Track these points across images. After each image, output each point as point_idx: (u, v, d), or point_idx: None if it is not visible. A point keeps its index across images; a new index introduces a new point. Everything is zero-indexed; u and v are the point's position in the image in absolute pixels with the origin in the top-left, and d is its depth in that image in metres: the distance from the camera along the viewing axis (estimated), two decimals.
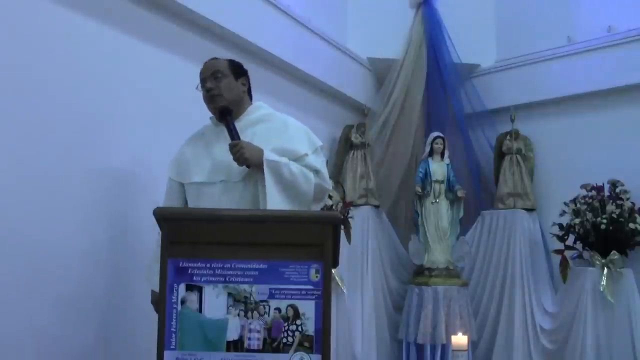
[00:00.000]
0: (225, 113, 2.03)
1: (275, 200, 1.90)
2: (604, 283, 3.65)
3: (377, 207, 4.26)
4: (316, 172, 2.04)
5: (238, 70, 2.14)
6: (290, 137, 2.07)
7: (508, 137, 4.45)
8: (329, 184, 2.14)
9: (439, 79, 4.57)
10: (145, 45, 2.71)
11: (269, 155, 1.94)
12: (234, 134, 1.98)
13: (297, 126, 2.14)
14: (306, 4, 3.87)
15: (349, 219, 3.90)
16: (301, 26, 3.75)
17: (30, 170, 2.15)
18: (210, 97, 2.06)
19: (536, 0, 4.65)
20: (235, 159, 1.94)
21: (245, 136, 2.00)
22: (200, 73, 2.12)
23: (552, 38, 4.41)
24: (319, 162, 2.08)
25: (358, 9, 4.55)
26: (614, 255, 3.69)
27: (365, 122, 4.40)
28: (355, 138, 4.27)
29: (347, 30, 4.46)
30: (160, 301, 1.52)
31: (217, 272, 1.53)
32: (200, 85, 2.11)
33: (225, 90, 2.06)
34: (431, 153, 4.39)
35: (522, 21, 4.66)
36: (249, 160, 1.93)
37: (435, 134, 4.40)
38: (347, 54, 4.33)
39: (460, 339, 3.50)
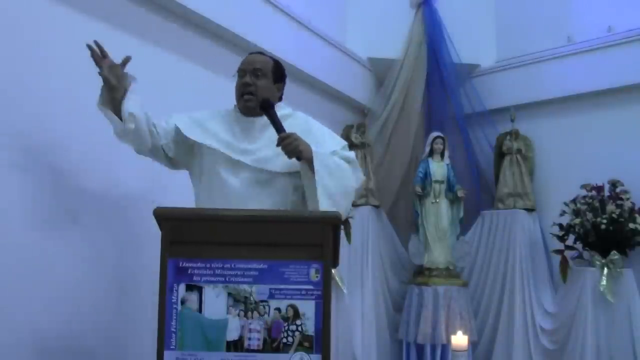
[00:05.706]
0: (267, 106, 1.95)
1: (328, 191, 1.85)
2: (604, 283, 3.65)
3: (377, 207, 4.26)
4: (351, 162, 2.02)
5: (279, 75, 2.10)
6: (317, 134, 2.04)
7: (508, 137, 4.46)
8: (363, 174, 2.10)
9: (439, 79, 4.57)
10: (145, 45, 2.70)
11: (316, 147, 1.89)
12: (279, 127, 1.90)
13: (321, 126, 2.12)
14: (306, 4, 3.87)
15: (349, 219, 3.90)
16: (301, 26, 3.75)
17: (29, 170, 2.15)
18: (244, 94, 2.01)
19: (536, 0, 4.65)
20: (287, 151, 1.85)
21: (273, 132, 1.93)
22: (242, 63, 2.06)
23: (552, 38, 4.41)
24: (352, 154, 2.06)
25: (358, 9, 4.54)
26: (614, 255, 3.69)
27: (365, 122, 4.40)
28: (355, 138, 4.27)
29: (347, 30, 4.46)
30: (159, 302, 1.52)
31: (217, 272, 1.53)
32: (237, 75, 2.05)
33: (261, 91, 2.01)
34: (431, 153, 4.39)
35: (522, 21, 4.66)
36: (302, 153, 1.85)
37: (435, 134, 4.40)
38: (347, 54, 4.33)
39: (460, 339, 3.51)
